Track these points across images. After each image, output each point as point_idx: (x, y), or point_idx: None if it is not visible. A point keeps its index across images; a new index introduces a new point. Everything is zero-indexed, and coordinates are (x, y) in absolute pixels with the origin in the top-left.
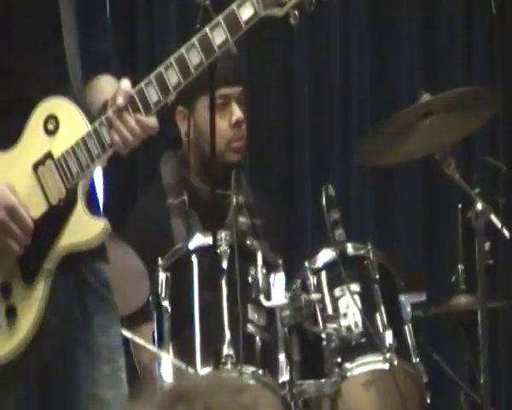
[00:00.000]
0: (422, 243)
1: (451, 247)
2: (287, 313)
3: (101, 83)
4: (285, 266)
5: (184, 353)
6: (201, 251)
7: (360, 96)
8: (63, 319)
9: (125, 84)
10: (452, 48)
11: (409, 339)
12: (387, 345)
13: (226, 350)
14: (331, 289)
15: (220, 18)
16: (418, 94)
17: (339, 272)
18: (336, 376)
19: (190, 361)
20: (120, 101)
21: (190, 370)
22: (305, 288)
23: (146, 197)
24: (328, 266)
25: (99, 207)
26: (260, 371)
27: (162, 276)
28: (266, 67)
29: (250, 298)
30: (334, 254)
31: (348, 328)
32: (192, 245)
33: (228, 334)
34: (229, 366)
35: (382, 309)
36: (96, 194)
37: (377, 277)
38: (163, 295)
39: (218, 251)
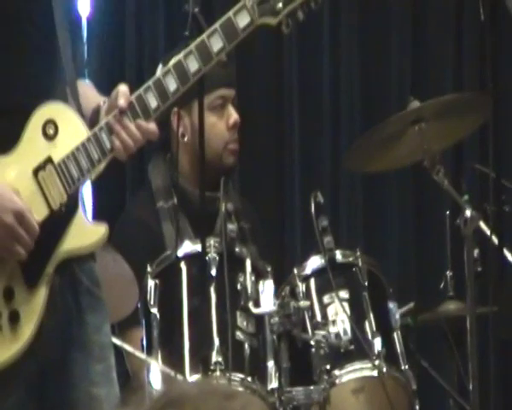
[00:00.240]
0: (411, 250)
1: (440, 254)
2: (276, 320)
3: (82, 87)
4: (274, 273)
5: (173, 360)
6: (190, 258)
7: (350, 102)
8: (60, 319)
9: (123, 87)
10: (442, 54)
11: (398, 346)
12: (376, 352)
13: (215, 357)
14: (320, 296)
15: (217, 25)
16: (407, 101)
17: (328, 279)
18: (325, 383)
19: (179, 368)
20: (122, 103)
21: (179, 377)
22: (293, 295)
23: (135, 202)
24: (317, 273)
25: (86, 212)
26: (249, 379)
27: (151, 283)
28: (255, 73)
29: (239, 305)
30: (322, 261)
31: (337, 335)
32: (181, 252)
33: (217, 341)
34: (217, 373)
35: (371, 316)
36: (83, 200)
37: (366, 284)
38: (152, 302)
39: (207, 258)
